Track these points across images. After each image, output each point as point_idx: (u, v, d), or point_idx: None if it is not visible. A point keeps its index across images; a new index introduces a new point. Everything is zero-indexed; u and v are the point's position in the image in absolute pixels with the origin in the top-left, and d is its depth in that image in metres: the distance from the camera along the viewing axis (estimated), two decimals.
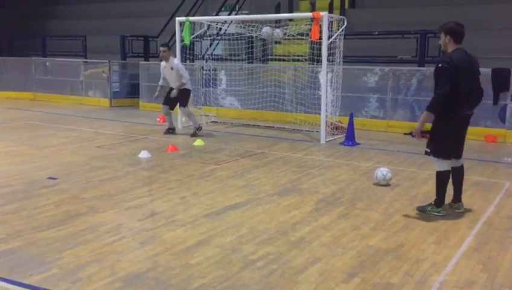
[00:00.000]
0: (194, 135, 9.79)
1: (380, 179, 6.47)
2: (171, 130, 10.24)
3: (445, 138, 5.16)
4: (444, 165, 5.25)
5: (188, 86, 9.83)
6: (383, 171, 6.49)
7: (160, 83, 10.12)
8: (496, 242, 4.62)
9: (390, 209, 5.52)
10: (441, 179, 5.30)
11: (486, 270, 4.02)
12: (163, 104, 10.07)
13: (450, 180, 5.40)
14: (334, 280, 3.83)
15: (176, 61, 9.95)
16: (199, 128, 9.93)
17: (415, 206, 5.59)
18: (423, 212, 5.35)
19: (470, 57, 5.15)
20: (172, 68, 9.65)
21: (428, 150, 5.33)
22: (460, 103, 5.07)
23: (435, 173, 5.36)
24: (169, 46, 10.19)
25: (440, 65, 5.03)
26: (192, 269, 4.00)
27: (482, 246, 4.53)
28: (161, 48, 9.88)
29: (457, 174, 5.44)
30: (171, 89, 9.83)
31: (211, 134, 10.32)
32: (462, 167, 5.47)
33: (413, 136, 5.41)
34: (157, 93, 10.02)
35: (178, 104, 9.98)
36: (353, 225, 5.03)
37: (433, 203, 5.37)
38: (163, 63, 9.89)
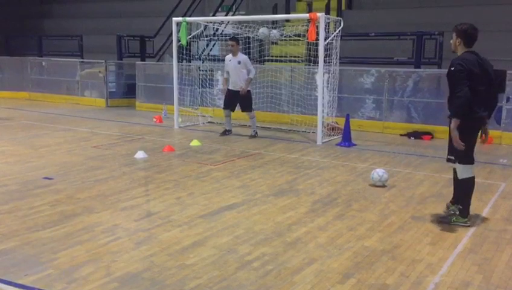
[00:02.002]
0: (253, 136, 9.92)
1: (376, 180, 6.48)
2: (228, 132, 10.21)
3: (466, 143, 4.85)
4: (470, 171, 5.05)
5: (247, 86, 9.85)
6: (379, 172, 6.50)
7: (225, 76, 10.06)
8: (491, 243, 4.63)
9: (386, 211, 5.53)
10: (469, 186, 5.09)
11: (481, 271, 4.03)
12: (225, 108, 10.10)
13: (450, 182, 5.35)
14: (329, 280, 3.83)
15: (244, 56, 10.00)
16: (256, 133, 10.02)
17: (411, 207, 5.60)
18: (448, 224, 5.10)
19: (481, 58, 5.02)
20: (239, 62, 9.68)
21: (452, 157, 5.08)
22: (476, 105, 4.88)
23: (461, 181, 5.11)
24: (238, 40, 10.23)
25: (453, 68, 4.88)
26: (188, 269, 3.99)
27: (478, 247, 4.55)
28: (230, 42, 9.91)
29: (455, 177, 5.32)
30: (230, 92, 9.86)
31: (207, 134, 10.31)
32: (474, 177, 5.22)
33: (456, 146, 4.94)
34: (224, 86, 10.05)
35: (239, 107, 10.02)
36: (349, 225, 5.04)
37: (457, 213, 5.12)
38: (229, 57, 9.85)
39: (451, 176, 7.05)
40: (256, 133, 10.03)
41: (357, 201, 5.86)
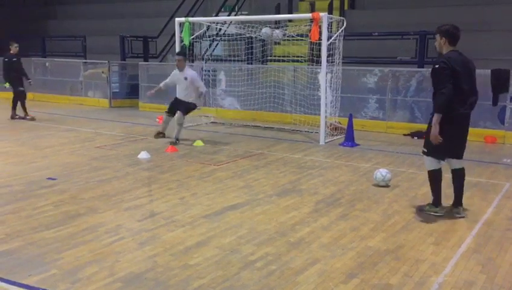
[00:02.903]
0: (174, 143, 8.96)
1: (379, 180, 6.47)
2: (162, 135, 9.67)
3: (442, 137, 5.06)
4: (434, 164, 5.28)
5: (197, 101, 9.45)
6: (382, 172, 6.49)
7: (162, 85, 9.71)
8: (495, 243, 4.62)
9: (389, 210, 5.52)
10: (435, 177, 5.34)
11: (485, 271, 4.02)
12: (168, 113, 9.52)
13: (449, 183, 5.41)
14: (333, 280, 3.83)
15: (192, 71, 9.52)
16: (178, 140, 9.14)
17: (415, 207, 5.59)
18: (422, 211, 5.39)
19: (465, 58, 5.19)
20: (186, 78, 9.24)
21: (426, 150, 5.32)
22: (459, 102, 5.04)
23: (428, 172, 5.38)
24: (186, 54, 9.98)
25: (437, 66, 5.06)
26: (192, 269, 3.99)
27: (481, 247, 4.54)
28: (176, 57, 9.52)
29: (458, 176, 5.38)
30: (176, 99, 9.48)
31: (210, 135, 10.32)
32: (462, 169, 5.39)
33: (432, 140, 5.15)
34: (153, 92, 9.71)
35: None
36: (352, 225, 5.04)
37: (431, 203, 5.41)
38: (176, 71, 9.50)
39: None
40: (178, 140, 9.14)
41: (360, 201, 5.85)
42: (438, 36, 5.21)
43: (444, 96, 4.95)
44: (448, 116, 5.02)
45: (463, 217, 5.31)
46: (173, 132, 9.18)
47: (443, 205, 5.41)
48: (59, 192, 6.06)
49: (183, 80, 9.33)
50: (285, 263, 4.12)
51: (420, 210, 5.43)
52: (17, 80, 12.12)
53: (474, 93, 5.27)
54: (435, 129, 5.01)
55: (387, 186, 6.44)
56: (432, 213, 5.33)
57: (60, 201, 5.70)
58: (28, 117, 12.05)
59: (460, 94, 5.03)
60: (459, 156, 5.32)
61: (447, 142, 5.09)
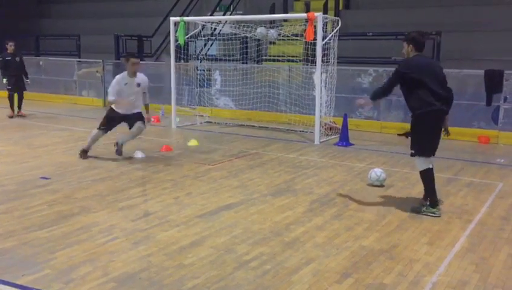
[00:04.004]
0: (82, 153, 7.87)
1: (373, 180, 6.48)
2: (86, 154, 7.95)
3: (423, 136, 5.30)
4: (426, 163, 5.37)
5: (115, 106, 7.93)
6: (377, 172, 6.51)
7: (114, 99, 7.83)
8: (489, 243, 4.64)
9: (383, 210, 5.53)
10: (428, 176, 5.40)
11: (479, 271, 4.04)
12: (103, 130, 7.98)
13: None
14: (327, 280, 3.83)
15: (143, 76, 8.00)
16: (87, 150, 7.93)
17: (408, 207, 5.61)
18: (418, 213, 5.37)
19: (429, 60, 5.52)
20: (139, 85, 7.82)
21: (413, 152, 5.40)
22: (429, 100, 5.22)
23: (420, 173, 5.44)
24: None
25: (397, 67, 5.42)
26: (186, 269, 3.99)
27: (475, 246, 4.56)
28: (134, 60, 7.82)
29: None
30: (119, 115, 7.93)
31: (205, 134, 10.31)
32: (432, 168, 5.45)
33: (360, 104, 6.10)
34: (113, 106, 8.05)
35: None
36: (347, 225, 5.04)
37: (428, 203, 5.42)
38: (122, 78, 7.77)
39: (448, 175, 7.10)
40: (85, 150, 7.94)
41: (354, 201, 5.86)
42: (405, 44, 5.45)
43: (381, 90, 5.52)
44: (424, 112, 5.22)
45: (428, 204, 5.40)
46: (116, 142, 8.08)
47: (439, 206, 5.42)
48: (52, 192, 6.03)
49: (135, 86, 7.75)
50: (279, 263, 4.12)
51: (416, 212, 5.39)
52: (12, 78, 12.17)
53: (447, 91, 5.43)
54: (364, 101, 5.98)
55: (381, 186, 6.46)
56: (430, 214, 5.32)
57: (53, 201, 5.68)
58: (10, 115, 12.23)
59: (430, 94, 5.22)
60: (433, 154, 5.47)
61: (427, 140, 5.31)
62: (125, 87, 7.72)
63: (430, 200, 5.41)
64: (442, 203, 5.65)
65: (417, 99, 5.25)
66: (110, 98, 7.85)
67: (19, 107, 12.41)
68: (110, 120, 7.99)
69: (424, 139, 5.31)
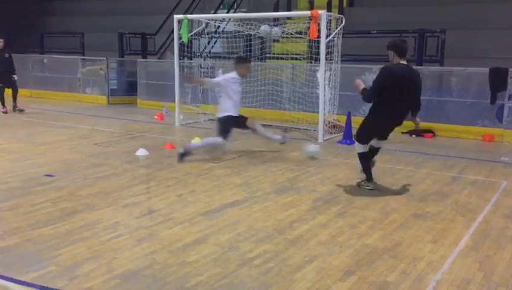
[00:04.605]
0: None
1: (310, 152, 7.56)
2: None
3: (368, 130, 6.07)
4: (362, 148, 6.19)
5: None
6: (311, 146, 7.54)
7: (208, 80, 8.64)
8: (493, 241, 4.63)
9: (387, 208, 5.53)
10: (361, 157, 6.26)
11: (482, 269, 4.03)
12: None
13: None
14: (331, 278, 3.83)
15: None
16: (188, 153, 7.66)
17: (412, 205, 5.61)
18: (360, 187, 6.23)
19: (408, 71, 5.76)
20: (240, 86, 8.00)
21: (356, 136, 6.26)
22: (389, 111, 5.82)
23: (357, 154, 6.29)
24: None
25: (379, 72, 5.83)
26: (190, 266, 4.00)
27: (479, 245, 4.55)
28: (246, 64, 7.99)
29: (373, 152, 6.29)
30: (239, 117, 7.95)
31: (208, 132, 10.30)
32: (379, 148, 6.35)
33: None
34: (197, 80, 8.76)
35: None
36: (350, 223, 5.04)
37: (365, 178, 6.25)
38: (232, 78, 7.83)
39: (453, 173, 7.09)
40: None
41: (358, 199, 5.86)
42: (388, 51, 5.82)
43: (366, 96, 5.91)
44: (378, 120, 5.95)
45: (365, 179, 6.22)
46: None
47: (375, 181, 6.19)
48: (57, 189, 6.05)
49: (240, 87, 7.94)
50: (283, 261, 4.12)
51: (358, 185, 6.25)
52: (0, 74, 12.52)
53: (413, 103, 5.93)
54: (356, 83, 6.13)
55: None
56: (366, 188, 6.15)
57: (57, 198, 5.70)
58: (4, 111, 12.50)
59: (388, 102, 5.74)
60: (383, 138, 6.23)
61: (369, 135, 6.10)
62: (234, 86, 7.75)
63: (367, 176, 6.21)
64: (441, 204, 5.63)
65: (379, 104, 5.83)
66: (215, 80, 8.13)
67: (15, 102, 12.64)
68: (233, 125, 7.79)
69: (367, 132, 6.07)
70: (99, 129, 10.41)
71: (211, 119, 11.79)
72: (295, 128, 10.62)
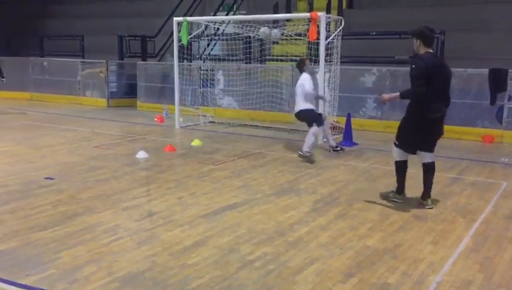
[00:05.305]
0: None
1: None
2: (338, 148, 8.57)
3: (410, 131, 5.48)
4: (401, 155, 5.65)
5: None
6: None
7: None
8: (493, 242, 4.63)
9: (387, 210, 5.52)
10: (397, 166, 5.75)
11: (483, 271, 4.03)
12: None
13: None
14: (331, 280, 3.83)
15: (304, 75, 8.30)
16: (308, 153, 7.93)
17: (413, 207, 5.60)
18: (387, 199, 5.78)
19: (441, 60, 5.48)
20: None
21: (397, 142, 5.68)
22: (433, 103, 5.30)
23: (394, 162, 5.79)
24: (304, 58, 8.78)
25: (414, 66, 5.30)
26: (190, 269, 3.99)
27: (479, 246, 4.54)
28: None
29: (427, 171, 5.63)
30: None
31: (208, 134, 10.31)
32: (432, 164, 5.60)
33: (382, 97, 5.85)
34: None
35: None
36: (351, 225, 5.04)
37: (394, 190, 5.80)
38: (306, 75, 8.25)
39: (452, 175, 7.08)
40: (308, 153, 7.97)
41: (358, 200, 5.85)
42: (414, 38, 5.45)
43: (413, 94, 5.36)
44: (422, 118, 5.33)
45: (431, 208, 5.53)
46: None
47: (405, 194, 5.79)
48: (57, 192, 6.05)
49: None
50: (283, 263, 4.12)
51: (384, 198, 5.80)
52: None
53: (448, 98, 5.53)
54: (389, 97, 5.71)
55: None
56: (395, 200, 5.72)
57: (57, 201, 5.69)
58: None
59: (435, 95, 5.28)
60: (427, 149, 5.55)
61: (410, 137, 5.51)
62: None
63: (397, 187, 5.76)
64: (442, 206, 5.64)
65: (421, 102, 5.29)
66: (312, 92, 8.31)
67: None
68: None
69: (407, 134, 5.53)
70: (99, 132, 10.41)
71: (211, 122, 11.81)
72: (295, 129, 10.61)
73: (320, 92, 9.04)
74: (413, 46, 5.45)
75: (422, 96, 5.23)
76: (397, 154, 5.68)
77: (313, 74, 8.72)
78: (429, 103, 5.28)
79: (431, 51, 5.43)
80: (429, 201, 5.60)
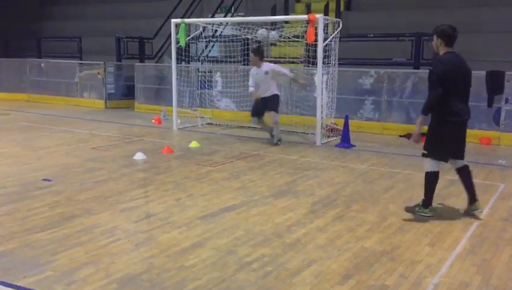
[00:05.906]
0: (276, 144, 9.20)
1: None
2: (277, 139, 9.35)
3: (439, 139, 5.17)
4: (433, 166, 5.27)
5: (276, 91, 9.29)
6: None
7: (251, 90, 9.35)
8: (491, 244, 4.64)
9: (385, 212, 5.53)
10: (429, 179, 5.31)
11: (480, 272, 4.03)
12: (253, 116, 9.42)
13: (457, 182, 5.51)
14: (329, 281, 3.83)
15: (271, 65, 9.35)
16: (280, 140, 9.31)
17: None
18: (412, 213, 5.37)
19: (462, 60, 5.22)
20: (267, 72, 9.10)
21: (426, 152, 5.30)
22: (457, 105, 5.10)
23: (425, 174, 5.35)
24: (259, 50, 9.60)
25: (432, 68, 5.13)
26: (187, 271, 3.99)
27: (477, 248, 4.55)
28: (251, 54, 9.47)
29: (465, 173, 5.40)
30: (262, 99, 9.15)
31: (206, 136, 10.31)
32: (467, 166, 5.42)
33: (413, 140, 5.36)
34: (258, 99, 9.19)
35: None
36: (348, 227, 5.04)
37: (420, 203, 5.38)
38: (254, 70, 9.29)
39: (450, 177, 7.07)
40: (279, 140, 9.37)
41: (356, 202, 5.86)
42: (434, 37, 5.21)
43: (431, 99, 5.06)
44: (448, 122, 5.10)
45: (481, 211, 5.33)
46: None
47: (433, 206, 5.41)
48: (54, 193, 6.04)
49: (264, 75, 9.12)
50: (281, 264, 4.12)
51: (409, 211, 5.40)
52: None
53: (467, 96, 5.31)
54: (418, 129, 5.21)
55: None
56: (423, 214, 5.31)
57: (55, 202, 5.68)
58: None
59: (458, 97, 5.08)
60: (459, 156, 5.35)
61: (442, 145, 5.17)
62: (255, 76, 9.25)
63: (424, 200, 5.34)
64: (439, 208, 5.64)
65: (445, 106, 5.06)
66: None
67: None
68: None
69: (438, 142, 5.17)
70: (96, 133, 10.39)
71: (208, 123, 11.80)
72: (293, 131, 10.63)
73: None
74: (433, 43, 5.21)
75: (444, 98, 4.99)
76: (429, 165, 5.28)
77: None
78: (451, 105, 5.05)
79: (452, 50, 5.17)
80: (477, 204, 5.33)
